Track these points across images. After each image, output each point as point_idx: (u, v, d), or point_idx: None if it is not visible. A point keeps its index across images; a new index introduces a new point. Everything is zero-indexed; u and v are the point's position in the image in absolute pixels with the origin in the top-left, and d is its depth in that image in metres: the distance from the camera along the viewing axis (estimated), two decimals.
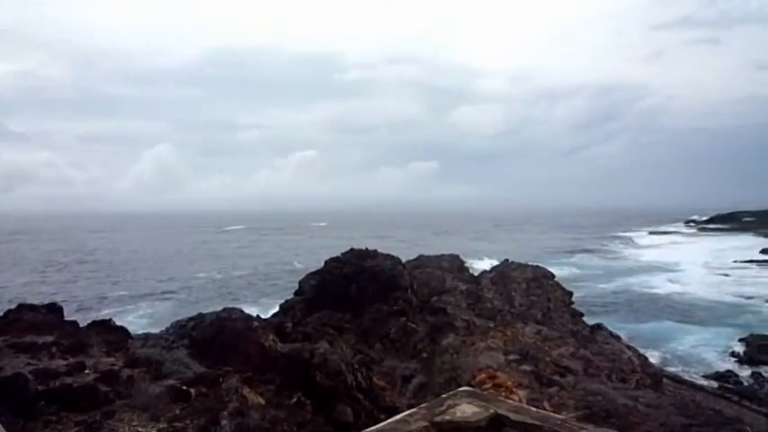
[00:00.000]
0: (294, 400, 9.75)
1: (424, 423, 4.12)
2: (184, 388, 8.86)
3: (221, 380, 9.14)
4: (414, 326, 16.24)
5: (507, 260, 29.31)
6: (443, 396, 4.68)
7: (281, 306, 19.31)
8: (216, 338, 11.36)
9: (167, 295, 47.73)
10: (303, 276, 20.60)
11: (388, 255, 20.43)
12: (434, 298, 20.54)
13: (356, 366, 11.09)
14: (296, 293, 19.69)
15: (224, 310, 14.28)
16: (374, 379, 11.99)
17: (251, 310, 18.30)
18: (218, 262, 73.39)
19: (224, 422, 8.08)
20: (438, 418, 4.19)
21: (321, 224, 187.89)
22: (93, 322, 12.93)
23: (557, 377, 13.81)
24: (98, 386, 8.78)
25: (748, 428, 14.51)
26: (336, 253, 20.46)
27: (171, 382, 9.19)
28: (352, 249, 20.05)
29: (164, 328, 15.87)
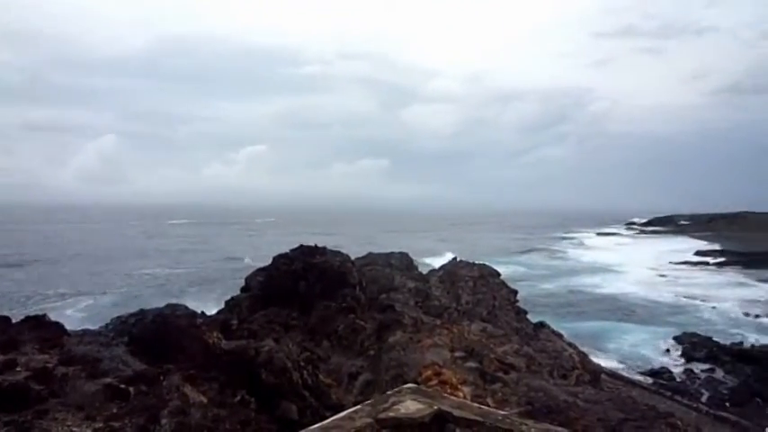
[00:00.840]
0: (238, 398, 9.58)
1: (369, 420, 4.12)
2: (123, 386, 8.58)
3: (162, 378, 8.90)
4: (362, 323, 16.22)
5: (456, 258, 29.71)
6: (388, 393, 4.69)
7: (226, 303, 18.92)
8: (158, 335, 11.05)
9: (108, 290, 46.10)
10: (250, 272, 20.27)
11: (338, 252, 20.32)
12: (383, 295, 20.57)
13: (302, 364, 11.00)
14: (242, 290, 19.33)
15: (167, 306, 13.95)
16: (320, 376, 11.92)
17: (196, 307, 17.91)
18: (162, 257, 71.49)
19: (164, 421, 7.86)
20: (382, 415, 4.20)
21: (271, 220, 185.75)
22: (27, 318, 12.37)
23: (500, 374, 14.08)
24: (30, 384, 8.40)
25: (679, 422, 15.18)
26: (286, 249, 20.21)
27: (108, 380, 8.88)
28: (301, 246, 19.84)
29: (103, 325, 15.35)
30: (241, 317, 16.57)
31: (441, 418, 4.30)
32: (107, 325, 15.18)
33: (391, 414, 4.22)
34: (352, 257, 21.55)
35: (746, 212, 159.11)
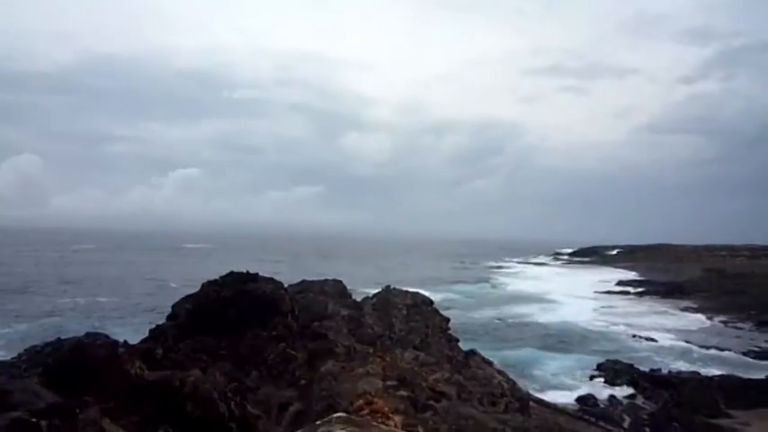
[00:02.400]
0: (161, 431, 9.16)
1: None
2: (34, 420, 8.02)
3: (78, 411, 8.39)
4: (293, 352, 15.93)
5: (389, 286, 29.79)
6: (317, 423, 4.63)
7: (151, 331, 18.11)
8: (74, 366, 10.45)
9: (22, 320, 43.28)
10: (178, 300, 19.57)
11: (270, 278, 19.95)
12: (315, 323, 20.32)
13: (230, 395, 10.67)
14: (168, 318, 18.61)
15: (86, 335, 13.22)
16: (249, 407, 11.58)
17: (119, 336, 17.05)
18: (84, 284, 67.99)
19: None
20: None
21: (203, 246, 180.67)
22: None
23: (432, 402, 14.13)
24: None
25: None
26: (217, 276, 19.68)
27: (18, 413, 8.29)
28: (231, 272, 19.37)
29: (16, 355, 14.40)
30: (166, 346, 15.92)
31: None
32: (20, 355, 14.24)
33: None
34: (286, 284, 21.23)
35: (664, 244, 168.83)
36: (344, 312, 22.89)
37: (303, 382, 14.95)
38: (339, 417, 4.74)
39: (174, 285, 61.16)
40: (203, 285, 18.78)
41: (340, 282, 27.61)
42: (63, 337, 14.68)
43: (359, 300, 27.82)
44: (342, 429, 4.41)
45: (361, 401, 12.31)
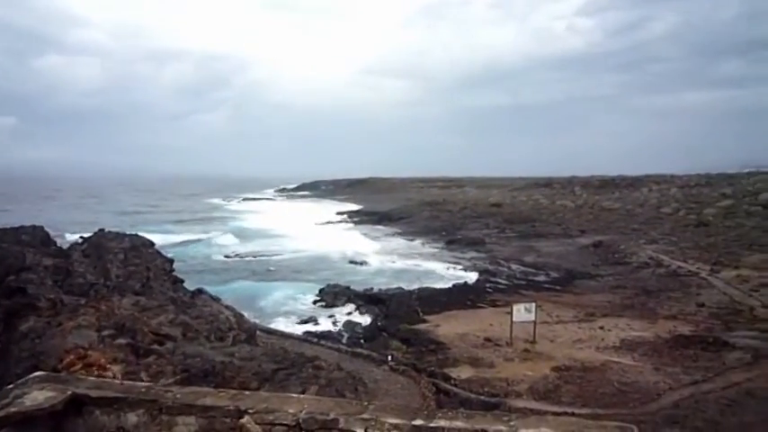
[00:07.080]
0: None
1: None
2: None
3: None
4: None
5: (102, 230, 27.29)
6: (9, 387, 4.15)
7: None
8: None
9: None
10: None
11: None
12: (11, 277, 17.71)
13: None
14: None
15: None
16: None
17: None
18: None
19: None
20: (1, 413, 3.71)
21: None
22: None
23: (155, 346, 13.71)
24: None
25: (323, 363, 17.27)
26: None
27: None
28: None
29: None
30: None
31: (77, 402, 4.02)
32: None
33: (13, 409, 3.76)
34: None
35: (378, 177, 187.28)
36: (48, 262, 20.37)
37: None
38: (37, 375, 4.33)
39: None
40: None
41: (41, 228, 24.31)
42: None
43: (66, 247, 24.97)
44: (41, 389, 4.06)
45: (72, 357, 11.32)
